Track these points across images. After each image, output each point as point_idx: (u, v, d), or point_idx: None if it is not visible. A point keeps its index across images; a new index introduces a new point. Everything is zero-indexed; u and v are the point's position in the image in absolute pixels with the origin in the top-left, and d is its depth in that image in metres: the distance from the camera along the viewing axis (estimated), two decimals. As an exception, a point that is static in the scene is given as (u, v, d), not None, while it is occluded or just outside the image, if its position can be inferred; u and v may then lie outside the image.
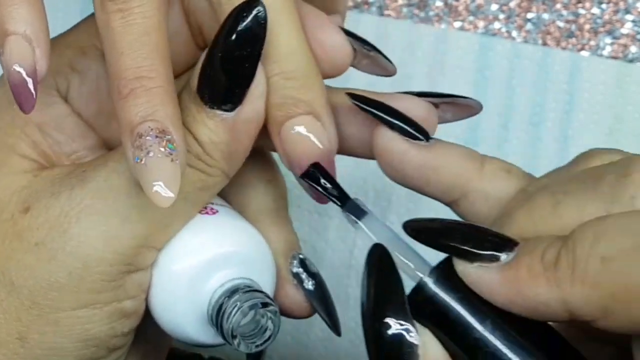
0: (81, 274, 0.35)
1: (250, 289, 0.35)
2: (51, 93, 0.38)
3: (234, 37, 0.34)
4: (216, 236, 0.37)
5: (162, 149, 0.32)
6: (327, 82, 0.37)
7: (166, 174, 0.32)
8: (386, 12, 0.54)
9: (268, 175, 0.39)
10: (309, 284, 0.38)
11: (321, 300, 0.38)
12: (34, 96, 0.33)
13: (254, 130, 0.36)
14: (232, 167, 0.36)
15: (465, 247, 0.31)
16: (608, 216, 0.30)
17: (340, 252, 0.53)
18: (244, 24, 0.34)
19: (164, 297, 0.36)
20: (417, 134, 0.35)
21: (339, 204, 0.35)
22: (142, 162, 0.32)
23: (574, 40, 0.54)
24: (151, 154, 0.32)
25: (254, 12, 0.34)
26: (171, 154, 0.33)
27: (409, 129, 0.35)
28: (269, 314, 0.35)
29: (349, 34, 0.37)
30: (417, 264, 0.33)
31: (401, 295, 0.32)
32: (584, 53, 0.53)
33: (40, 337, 0.35)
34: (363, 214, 0.35)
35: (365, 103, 0.36)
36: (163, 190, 0.32)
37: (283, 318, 0.38)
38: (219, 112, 0.35)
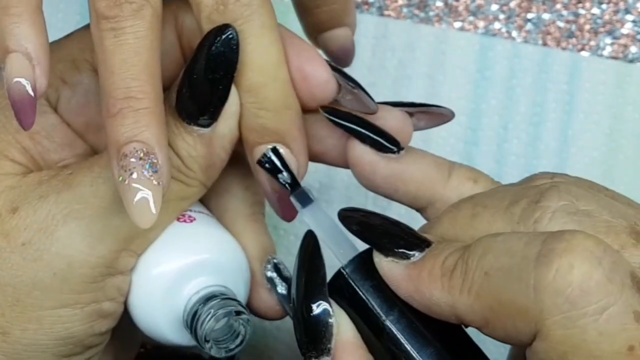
0: (65, 275, 0.36)
1: (225, 297, 0.37)
2: (42, 103, 0.39)
3: (206, 60, 0.36)
4: (193, 244, 0.38)
5: (145, 171, 0.34)
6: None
7: (148, 195, 0.34)
8: (386, 12, 0.54)
9: (246, 182, 0.41)
10: (282, 288, 0.39)
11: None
12: (34, 113, 0.34)
13: (228, 144, 0.37)
14: (209, 178, 0.38)
15: (382, 241, 0.34)
16: (500, 234, 0.33)
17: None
18: (217, 48, 0.35)
19: (142, 301, 0.38)
20: (388, 145, 0.38)
21: (288, 189, 0.37)
22: (126, 182, 0.34)
23: (574, 40, 0.54)
24: (134, 175, 0.34)
25: (227, 36, 0.35)
26: (154, 176, 0.34)
27: (380, 140, 0.38)
28: (241, 321, 0.37)
29: (334, 69, 0.38)
30: (346, 253, 0.36)
31: (322, 279, 0.35)
32: (584, 53, 0.53)
33: (22, 334, 0.36)
34: (309, 202, 0.37)
35: (337, 116, 0.38)
36: (143, 211, 0.34)
37: (285, 319, 0.40)
38: (196, 127, 0.36)
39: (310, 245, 0.36)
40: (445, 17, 0.54)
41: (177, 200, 0.37)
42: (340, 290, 0.35)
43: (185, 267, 0.37)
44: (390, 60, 0.53)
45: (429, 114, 0.40)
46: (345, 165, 0.39)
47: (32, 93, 0.34)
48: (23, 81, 0.34)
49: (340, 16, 0.44)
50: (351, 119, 0.38)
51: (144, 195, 0.34)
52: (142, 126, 0.34)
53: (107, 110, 0.34)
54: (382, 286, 0.34)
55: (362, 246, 0.36)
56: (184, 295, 0.37)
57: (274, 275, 0.40)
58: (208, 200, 0.40)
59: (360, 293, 0.35)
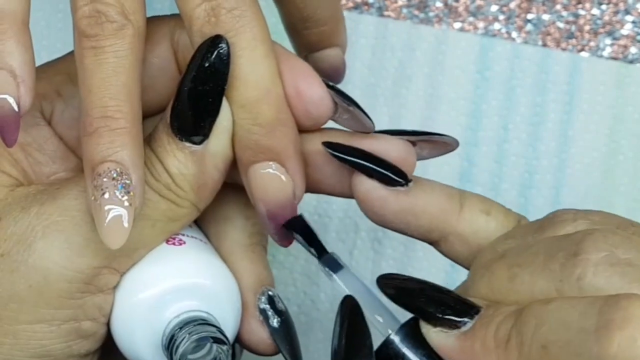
0: (41, 288, 0.35)
1: (204, 322, 0.36)
2: (35, 115, 0.39)
3: (197, 72, 0.35)
4: (179, 267, 0.37)
5: (117, 192, 0.33)
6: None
7: (119, 216, 0.33)
8: (386, 13, 0.54)
9: (248, 211, 0.40)
10: (274, 322, 0.38)
11: (285, 339, 0.39)
12: (17, 130, 0.34)
13: (221, 163, 0.37)
14: (201, 200, 0.37)
15: (429, 310, 0.33)
16: (551, 301, 0.31)
17: (340, 253, 0.53)
18: (207, 60, 0.35)
19: (123, 321, 0.37)
20: (395, 178, 0.36)
21: (316, 256, 0.36)
22: (98, 202, 0.33)
23: (574, 41, 0.54)
24: (106, 195, 0.33)
25: (217, 48, 0.35)
26: (126, 197, 0.34)
27: (387, 173, 0.36)
28: (221, 351, 0.35)
29: (329, 86, 0.37)
30: (386, 319, 0.34)
31: (369, 348, 0.33)
32: (584, 54, 0.53)
33: None
34: (339, 268, 0.36)
35: (340, 151, 0.37)
36: (113, 232, 0.33)
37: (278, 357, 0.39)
38: (188, 144, 0.36)
39: (352, 310, 0.34)
40: (445, 17, 0.54)
41: (165, 220, 0.37)
42: None
43: (167, 290, 0.36)
44: (390, 60, 0.53)
45: (432, 143, 0.39)
46: (343, 194, 0.38)
47: (16, 109, 0.34)
48: (8, 98, 0.34)
49: (330, 37, 0.44)
50: (356, 153, 0.37)
51: (114, 215, 0.33)
52: (117, 146, 0.34)
53: (84, 128, 0.34)
54: (434, 356, 0.33)
55: (397, 311, 0.34)
56: (165, 318, 0.36)
57: (267, 307, 0.39)
58: (207, 227, 0.40)
59: None
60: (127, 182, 0.34)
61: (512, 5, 0.54)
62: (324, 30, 0.42)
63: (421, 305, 0.33)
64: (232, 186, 0.38)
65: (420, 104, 0.53)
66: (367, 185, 0.36)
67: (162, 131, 0.36)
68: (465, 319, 0.32)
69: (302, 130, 0.37)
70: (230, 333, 0.37)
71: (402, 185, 0.36)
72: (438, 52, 0.53)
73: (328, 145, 0.37)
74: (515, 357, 0.30)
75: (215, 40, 0.35)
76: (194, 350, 0.35)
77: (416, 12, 0.54)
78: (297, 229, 0.37)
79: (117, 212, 0.33)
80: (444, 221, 0.37)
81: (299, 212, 0.38)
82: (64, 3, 0.53)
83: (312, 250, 0.36)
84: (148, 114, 0.40)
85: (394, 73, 0.53)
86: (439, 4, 0.54)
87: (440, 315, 0.32)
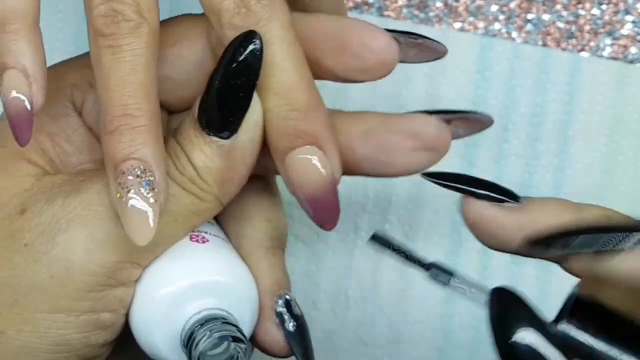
0: (62, 279, 0.36)
1: (225, 321, 0.36)
2: (66, 105, 0.39)
3: (229, 67, 0.35)
4: (201, 265, 0.38)
5: (142, 189, 0.34)
6: (329, 98, 0.38)
7: (146, 213, 0.34)
8: (386, 12, 0.54)
9: (269, 213, 0.40)
10: (290, 325, 0.39)
11: (300, 344, 0.39)
12: (31, 129, 0.34)
13: (248, 158, 0.37)
14: (225, 194, 0.37)
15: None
16: None
17: (341, 254, 0.53)
18: (240, 55, 0.35)
19: (142, 315, 0.37)
20: (505, 198, 0.36)
21: (424, 269, 0.36)
22: (123, 199, 0.34)
23: (574, 41, 0.54)
24: (132, 192, 0.34)
25: (250, 44, 0.35)
26: (151, 193, 0.34)
27: (495, 195, 0.36)
28: (239, 349, 0.36)
29: (390, 31, 0.38)
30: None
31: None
32: (584, 54, 0.53)
33: (17, 335, 0.36)
34: (451, 274, 0.36)
35: (443, 179, 0.36)
36: (140, 229, 0.34)
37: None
38: (215, 138, 0.36)
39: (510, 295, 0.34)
40: (445, 17, 0.54)
41: (188, 214, 0.37)
42: (581, 312, 0.32)
43: (189, 287, 0.37)
44: (390, 60, 0.53)
45: (467, 121, 0.39)
46: (382, 173, 0.38)
47: (29, 109, 0.34)
48: (20, 97, 0.34)
49: None
50: (459, 180, 0.36)
51: (141, 212, 0.34)
52: (139, 143, 0.34)
53: (105, 127, 0.34)
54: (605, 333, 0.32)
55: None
56: (185, 315, 0.37)
57: (284, 310, 0.39)
58: (227, 227, 0.40)
59: (603, 310, 0.32)
60: (151, 178, 0.34)
61: (512, 5, 0.54)
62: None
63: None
64: (255, 187, 0.39)
65: (420, 104, 0.53)
66: (477, 206, 0.36)
67: (189, 124, 0.36)
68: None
69: (374, 79, 0.38)
70: (246, 332, 0.38)
71: (511, 202, 0.36)
72: (438, 52, 0.53)
73: (428, 175, 0.37)
74: None
75: (249, 36, 0.35)
76: (218, 349, 0.36)
77: (416, 12, 0.54)
78: (388, 245, 0.37)
79: (143, 209, 0.34)
80: None
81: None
82: (64, 3, 0.53)
83: (416, 264, 0.36)
84: (182, 108, 0.40)
85: (394, 73, 0.53)
86: (439, 4, 0.54)
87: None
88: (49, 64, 0.35)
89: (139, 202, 0.34)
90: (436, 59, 0.39)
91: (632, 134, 0.52)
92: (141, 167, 0.34)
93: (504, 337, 0.32)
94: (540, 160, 0.52)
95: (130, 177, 0.34)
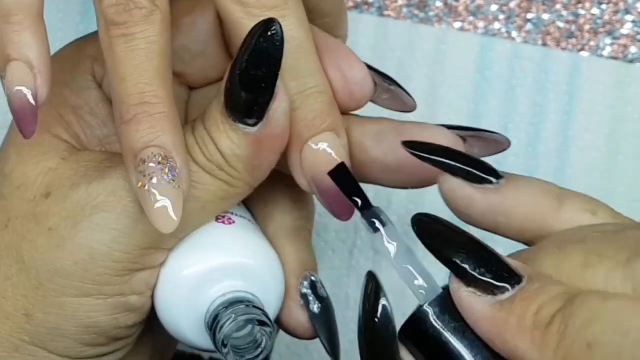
0: (86, 265, 0.35)
1: (250, 304, 0.36)
2: (87, 78, 0.39)
3: (249, 57, 0.34)
4: (227, 246, 0.37)
5: (165, 176, 0.33)
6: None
7: (169, 200, 0.33)
8: (386, 12, 0.54)
9: (296, 195, 0.40)
10: (315, 307, 0.38)
11: (325, 325, 0.39)
12: (35, 122, 0.34)
13: (278, 145, 0.36)
14: (256, 179, 0.37)
15: (464, 266, 0.30)
16: (611, 298, 0.28)
17: (340, 253, 0.53)
18: (260, 45, 0.34)
19: (167, 297, 0.37)
20: (483, 176, 0.34)
21: (360, 208, 0.34)
22: (146, 187, 0.33)
23: (574, 40, 0.54)
24: (154, 180, 0.33)
25: (270, 33, 0.34)
26: (174, 180, 0.33)
27: (474, 171, 0.34)
28: (264, 333, 0.35)
29: (370, 68, 0.38)
30: (423, 284, 0.31)
31: (392, 330, 0.31)
32: (584, 54, 0.53)
33: (45, 317, 0.36)
34: (382, 225, 0.33)
35: (422, 150, 0.35)
36: (165, 216, 0.33)
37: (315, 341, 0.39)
38: (242, 126, 0.35)
39: (371, 290, 0.32)
40: (445, 17, 0.54)
41: (216, 200, 0.36)
42: (417, 334, 0.31)
43: (215, 269, 0.36)
44: (390, 60, 0.53)
45: (483, 140, 0.38)
46: (389, 182, 0.37)
47: (33, 102, 0.34)
48: (24, 90, 0.34)
49: (334, 29, 0.44)
50: (438, 151, 0.34)
51: (165, 199, 0.33)
52: (158, 131, 0.34)
53: (121, 116, 0.34)
54: (468, 331, 0.30)
55: (440, 275, 0.31)
56: (209, 296, 0.36)
57: (309, 292, 0.39)
58: (253, 209, 0.40)
59: (443, 338, 0.30)
60: (173, 165, 0.33)
61: (512, 4, 0.54)
62: (328, 22, 0.43)
63: (457, 258, 0.30)
64: (281, 170, 0.38)
65: (420, 104, 0.53)
66: (451, 184, 0.34)
67: (216, 110, 0.36)
68: (506, 286, 0.29)
69: (343, 112, 0.37)
70: (272, 314, 0.37)
71: (490, 182, 0.34)
72: (438, 52, 0.53)
73: (408, 144, 0.35)
74: (554, 346, 0.28)
75: (269, 24, 0.34)
76: (243, 332, 0.35)
77: (416, 12, 0.54)
78: (341, 179, 0.35)
79: (167, 196, 0.33)
80: (540, 220, 0.33)
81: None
82: (64, 3, 0.53)
83: (357, 201, 0.34)
84: (201, 82, 0.40)
85: (394, 73, 0.53)
86: (439, 4, 0.54)
87: (477, 275, 0.29)
88: (49, 64, 0.35)
89: (163, 189, 0.33)
90: (403, 111, 0.38)
91: (632, 134, 0.52)
92: (162, 154, 0.33)
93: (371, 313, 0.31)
94: (540, 160, 0.52)
95: (152, 165, 0.33)
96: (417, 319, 0.30)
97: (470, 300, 0.29)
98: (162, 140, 0.34)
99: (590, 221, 0.33)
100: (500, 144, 0.38)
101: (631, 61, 0.53)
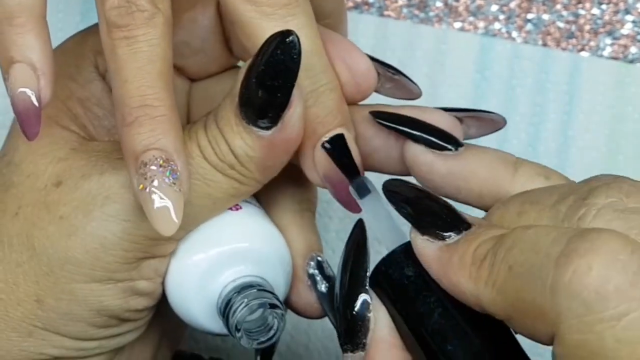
0: (97, 254, 0.36)
1: (261, 288, 0.36)
2: (91, 70, 0.39)
3: (266, 68, 0.34)
4: (235, 232, 0.38)
5: (166, 178, 0.33)
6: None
7: (170, 203, 0.33)
8: (386, 12, 0.54)
9: (298, 177, 0.40)
10: (322, 286, 0.39)
11: (332, 304, 0.39)
12: (39, 123, 0.34)
13: (292, 147, 0.36)
14: (266, 178, 0.37)
15: (420, 218, 0.33)
16: (532, 227, 0.31)
17: (340, 253, 0.53)
18: (277, 57, 0.34)
19: (177, 283, 0.37)
20: (443, 144, 0.36)
21: (347, 177, 0.36)
22: (147, 190, 0.33)
23: (574, 40, 0.54)
24: (155, 183, 0.33)
25: (288, 44, 0.34)
26: (175, 183, 0.34)
27: (434, 139, 0.36)
28: (275, 315, 0.36)
29: (372, 59, 0.38)
30: (396, 241, 0.34)
31: (364, 271, 0.34)
32: (584, 54, 0.53)
33: (56, 303, 0.36)
34: (367, 192, 0.36)
35: (388, 120, 0.37)
36: (167, 218, 0.33)
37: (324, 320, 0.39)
38: (255, 129, 0.35)
39: (357, 236, 0.35)
40: (445, 17, 0.54)
41: (227, 197, 0.37)
42: (382, 281, 0.34)
43: (224, 254, 0.37)
44: (390, 60, 0.53)
45: (479, 120, 0.39)
46: (392, 169, 0.38)
47: (36, 103, 0.34)
48: (28, 91, 0.34)
49: (334, 29, 0.44)
50: (402, 121, 0.37)
51: (165, 202, 0.33)
52: (159, 134, 0.34)
53: (123, 119, 0.34)
54: (424, 276, 0.33)
55: None
56: (221, 282, 0.37)
57: (316, 272, 0.39)
58: (257, 193, 0.40)
59: (399, 284, 0.34)
60: (174, 167, 0.34)
61: (512, 5, 0.54)
62: (328, 23, 0.43)
63: (413, 211, 0.33)
64: None
65: (421, 103, 0.53)
66: (414, 150, 0.36)
67: (230, 110, 0.36)
68: (452, 233, 0.32)
69: (349, 103, 0.38)
70: (281, 296, 0.38)
71: (449, 150, 0.36)
72: (438, 52, 0.53)
73: (375, 114, 0.37)
74: (485, 276, 0.31)
75: (285, 35, 0.34)
76: (254, 315, 0.36)
77: (416, 12, 0.54)
78: (334, 147, 0.36)
79: (168, 198, 0.33)
80: (496, 185, 0.36)
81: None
82: (63, 3, 0.53)
83: (346, 171, 0.36)
84: (201, 75, 0.41)
85: (394, 73, 0.53)
86: (439, 4, 0.54)
87: (430, 224, 0.33)
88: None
89: (164, 191, 0.33)
90: (409, 99, 0.39)
91: (632, 134, 0.52)
92: (163, 156, 0.33)
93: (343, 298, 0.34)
94: (540, 160, 0.52)
95: (153, 167, 0.33)
96: (382, 267, 0.34)
97: (423, 245, 0.33)
98: (163, 143, 0.34)
99: (543, 184, 0.35)
100: (496, 123, 0.39)
101: (631, 61, 0.53)
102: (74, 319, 0.36)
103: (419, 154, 0.36)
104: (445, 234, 0.32)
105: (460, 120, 0.38)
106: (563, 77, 0.53)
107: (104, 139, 0.39)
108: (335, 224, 0.52)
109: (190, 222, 0.36)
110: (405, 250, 0.34)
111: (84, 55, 0.39)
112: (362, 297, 0.34)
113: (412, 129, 0.36)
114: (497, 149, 0.37)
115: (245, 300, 0.36)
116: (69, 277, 0.36)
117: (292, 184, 0.40)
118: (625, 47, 0.53)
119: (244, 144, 0.35)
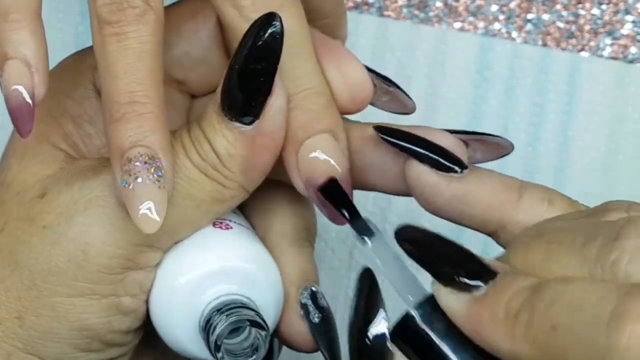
0: (80, 262, 0.35)
1: (242, 306, 0.35)
2: (87, 87, 0.39)
3: (249, 51, 0.34)
4: (221, 251, 0.37)
5: (151, 175, 0.33)
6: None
7: (153, 200, 0.33)
8: (386, 12, 0.54)
9: (296, 205, 0.40)
10: (315, 317, 0.38)
11: (325, 336, 0.38)
12: (32, 120, 0.34)
13: (272, 145, 0.36)
14: (250, 182, 0.36)
15: (441, 268, 0.31)
16: (572, 280, 0.29)
17: (340, 253, 0.53)
18: (259, 38, 0.34)
19: (162, 304, 0.36)
20: (449, 165, 0.35)
21: (349, 220, 0.35)
22: (130, 187, 0.33)
23: (574, 41, 0.54)
24: (139, 180, 0.33)
25: (270, 27, 0.34)
26: (159, 180, 0.33)
27: (440, 159, 0.35)
28: (259, 336, 0.35)
29: (369, 70, 0.37)
30: (412, 290, 0.32)
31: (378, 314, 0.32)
32: (584, 54, 0.53)
33: (37, 320, 0.36)
34: (371, 234, 0.34)
35: (392, 136, 0.36)
36: (149, 216, 0.33)
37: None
38: (237, 124, 0.35)
39: (367, 286, 0.34)
40: (445, 17, 0.54)
41: (211, 201, 0.36)
42: (406, 336, 0.31)
43: (208, 273, 0.36)
44: (390, 60, 0.53)
45: (485, 144, 0.38)
46: (389, 188, 0.37)
47: (30, 101, 0.34)
48: (21, 89, 0.33)
49: (333, 29, 0.44)
50: (408, 138, 0.35)
51: (149, 200, 0.33)
52: (146, 131, 0.33)
53: (110, 115, 0.34)
54: (454, 331, 0.31)
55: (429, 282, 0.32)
56: (204, 300, 0.36)
57: (309, 302, 0.38)
58: (254, 219, 0.40)
59: (427, 340, 0.31)
60: (159, 165, 0.33)
61: (512, 5, 0.54)
62: (327, 23, 0.43)
63: (434, 261, 0.31)
64: (280, 178, 0.38)
65: (420, 104, 0.53)
66: (417, 170, 0.35)
67: (212, 110, 0.36)
68: (479, 283, 0.30)
69: (344, 113, 0.37)
70: (270, 322, 0.37)
71: (455, 172, 0.35)
72: (438, 52, 0.53)
73: (379, 129, 0.36)
74: (522, 333, 0.29)
75: (269, 18, 0.34)
76: (233, 335, 0.35)
77: (416, 12, 0.54)
78: (330, 192, 0.35)
79: (151, 196, 0.33)
80: (501, 211, 0.35)
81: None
82: (63, 3, 0.53)
83: (345, 212, 0.35)
84: (203, 90, 0.40)
85: (394, 73, 0.53)
86: (439, 4, 0.54)
87: (452, 275, 0.30)
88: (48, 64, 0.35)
89: (147, 189, 0.33)
90: (403, 113, 0.38)
91: (632, 134, 0.52)
92: (148, 154, 0.33)
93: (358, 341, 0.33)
94: (540, 160, 0.52)
95: (137, 164, 0.33)
96: (404, 322, 0.31)
97: (449, 299, 0.31)
98: (150, 140, 0.33)
99: (547, 210, 0.34)
100: (503, 148, 0.38)
101: (631, 61, 0.53)
102: (54, 338, 0.36)
103: (423, 175, 0.35)
104: (472, 283, 0.30)
105: (466, 143, 0.37)
106: (563, 77, 0.53)
107: (95, 158, 0.39)
108: (335, 224, 0.52)
109: (174, 226, 0.36)
110: (431, 302, 0.31)
111: (81, 72, 0.39)
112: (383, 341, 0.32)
113: (418, 147, 0.35)
114: (502, 171, 0.36)
115: (225, 316, 0.35)
116: (51, 290, 0.35)
117: (291, 213, 0.40)
118: (625, 47, 0.53)
119: (226, 141, 0.35)
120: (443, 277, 0.31)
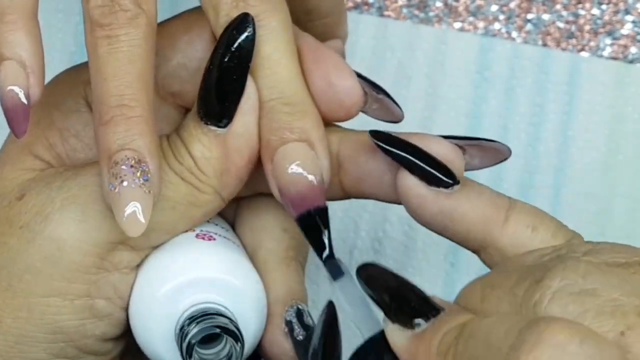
0: (55, 260, 0.35)
1: (217, 314, 0.35)
2: (78, 101, 0.39)
3: (221, 50, 0.35)
4: (203, 261, 0.37)
5: (137, 179, 0.33)
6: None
7: (138, 204, 0.33)
8: (386, 12, 0.54)
9: (286, 224, 0.39)
10: (300, 335, 0.37)
11: (308, 354, 0.37)
12: (27, 121, 0.34)
13: (245, 146, 0.36)
14: (224, 187, 0.37)
15: (391, 305, 0.32)
16: (490, 318, 0.30)
17: (340, 254, 0.53)
18: (233, 37, 0.35)
19: (140, 311, 0.36)
20: (439, 177, 0.35)
21: (322, 258, 0.36)
22: (116, 190, 0.33)
23: (574, 41, 0.54)
24: (125, 183, 0.33)
25: (244, 27, 0.35)
26: (145, 184, 0.33)
27: (431, 171, 0.35)
28: (234, 345, 0.35)
29: (360, 76, 0.37)
30: (371, 327, 0.34)
31: (338, 354, 0.34)
32: (584, 54, 0.53)
33: (14, 323, 0.36)
34: (340, 274, 0.36)
35: (386, 142, 0.35)
36: (134, 219, 0.33)
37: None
38: (213, 127, 0.36)
39: (329, 319, 0.35)
40: (445, 17, 0.54)
41: (186, 204, 0.36)
42: None
43: (185, 283, 0.36)
44: (390, 60, 0.53)
45: (483, 150, 0.38)
46: (382, 196, 0.37)
47: (25, 101, 0.34)
48: (16, 89, 0.34)
49: (333, 29, 0.44)
50: (401, 146, 0.35)
51: (134, 203, 0.33)
52: (134, 134, 0.34)
53: (99, 117, 0.34)
54: None
55: None
56: (180, 308, 0.36)
57: (294, 319, 0.37)
58: (244, 237, 0.40)
59: None
60: (146, 169, 0.34)
61: (512, 5, 0.54)
62: (327, 22, 0.42)
63: (384, 297, 0.32)
64: (271, 197, 0.38)
65: (420, 104, 0.53)
66: (407, 182, 0.35)
67: (190, 118, 0.36)
68: (420, 320, 0.32)
69: (333, 121, 0.37)
70: (250, 336, 0.37)
71: (445, 186, 0.35)
72: (438, 52, 0.53)
73: (374, 134, 0.36)
74: None
75: (242, 19, 0.35)
76: (209, 345, 0.35)
77: (416, 12, 0.54)
78: (307, 225, 0.36)
79: (136, 199, 0.33)
80: (485, 231, 0.35)
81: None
82: (63, 3, 0.53)
83: (318, 250, 0.36)
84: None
85: (394, 73, 0.53)
86: (439, 4, 0.54)
87: (397, 311, 0.32)
88: (48, 64, 0.35)
89: (133, 192, 0.33)
90: (391, 121, 0.38)
91: (632, 134, 0.52)
92: (135, 157, 0.33)
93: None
94: (540, 160, 0.52)
95: (124, 167, 0.33)
96: (357, 356, 0.33)
97: (394, 334, 0.32)
98: (138, 143, 0.34)
99: (529, 237, 0.34)
100: (500, 153, 0.38)
101: (631, 61, 0.53)
102: (29, 342, 0.36)
103: (412, 187, 0.35)
104: (415, 321, 0.32)
105: (463, 149, 0.37)
106: (563, 77, 0.53)
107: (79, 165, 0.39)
108: (335, 224, 0.52)
109: (149, 226, 0.35)
110: (382, 338, 0.33)
111: (74, 86, 0.39)
112: None
113: (410, 156, 0.35)
114: (495, 179, 0.36)
115: (195, 323, 0.34)
116: (27, 290, 0.35)
117: (281, 231, 0.39)
118: (625, 47, 0.53)
119: (202, 145, 0.36)
120: (391, 313, 0.32)
